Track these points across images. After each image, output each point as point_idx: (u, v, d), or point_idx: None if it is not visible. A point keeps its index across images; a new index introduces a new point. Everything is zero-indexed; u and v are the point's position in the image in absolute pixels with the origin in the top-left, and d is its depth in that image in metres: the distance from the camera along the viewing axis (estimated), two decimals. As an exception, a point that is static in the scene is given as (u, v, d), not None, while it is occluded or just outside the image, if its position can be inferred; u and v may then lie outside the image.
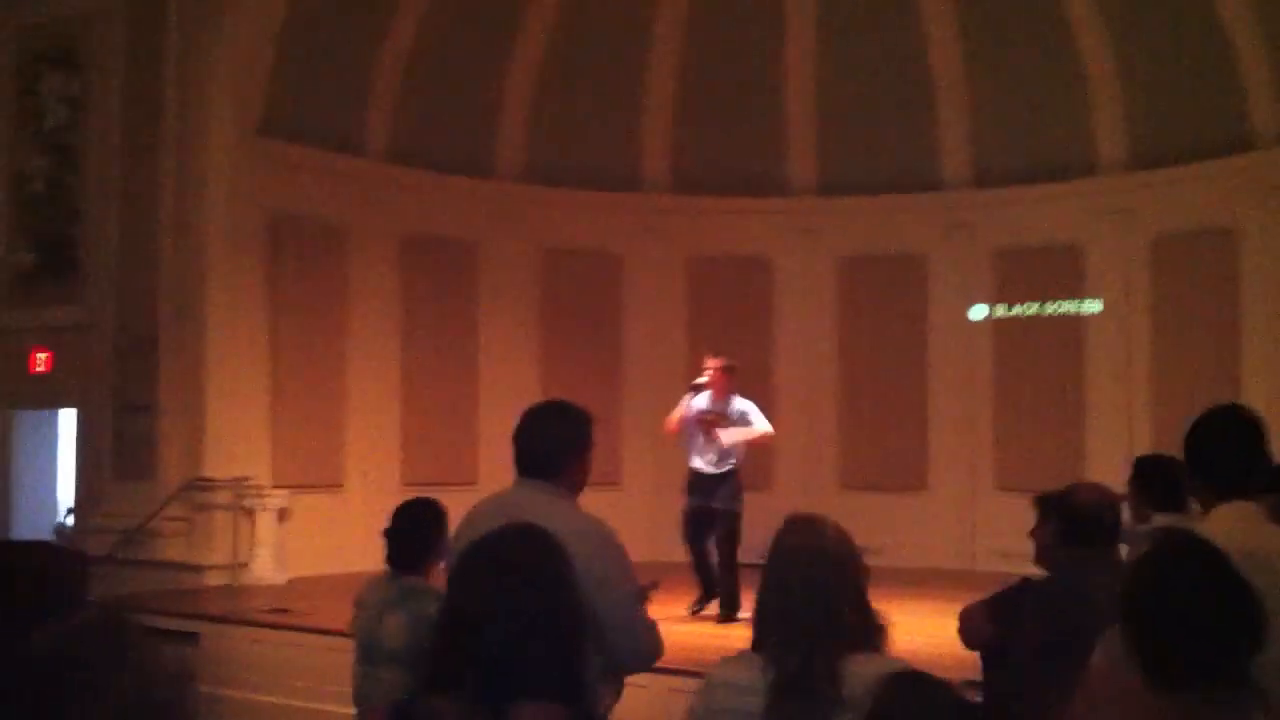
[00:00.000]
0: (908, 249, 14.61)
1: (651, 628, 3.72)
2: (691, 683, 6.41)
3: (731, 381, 9.80)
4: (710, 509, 9.66)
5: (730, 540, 9.62)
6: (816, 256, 14.92)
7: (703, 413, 9.74)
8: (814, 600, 2.70)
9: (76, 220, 12.96)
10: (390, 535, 4.72)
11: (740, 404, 9.83)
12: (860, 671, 2.61)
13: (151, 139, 12.30)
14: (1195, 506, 3.59)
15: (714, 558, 9.77)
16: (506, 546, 2.18)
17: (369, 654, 4.71)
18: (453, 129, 14.08)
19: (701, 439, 9.75)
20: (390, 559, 4.75)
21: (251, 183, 12.40)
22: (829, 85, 14.68)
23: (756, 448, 10.21)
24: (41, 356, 13.00)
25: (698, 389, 9.83)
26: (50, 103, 13.23)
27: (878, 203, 14.54)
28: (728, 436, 9.70)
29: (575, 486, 3.75)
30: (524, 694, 2.03)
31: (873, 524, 12.17)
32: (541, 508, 3.43)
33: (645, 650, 3.67)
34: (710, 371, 9.79)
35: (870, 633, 2.77)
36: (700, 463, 9.75)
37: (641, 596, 3.74)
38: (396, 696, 4.36)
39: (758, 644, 2.81)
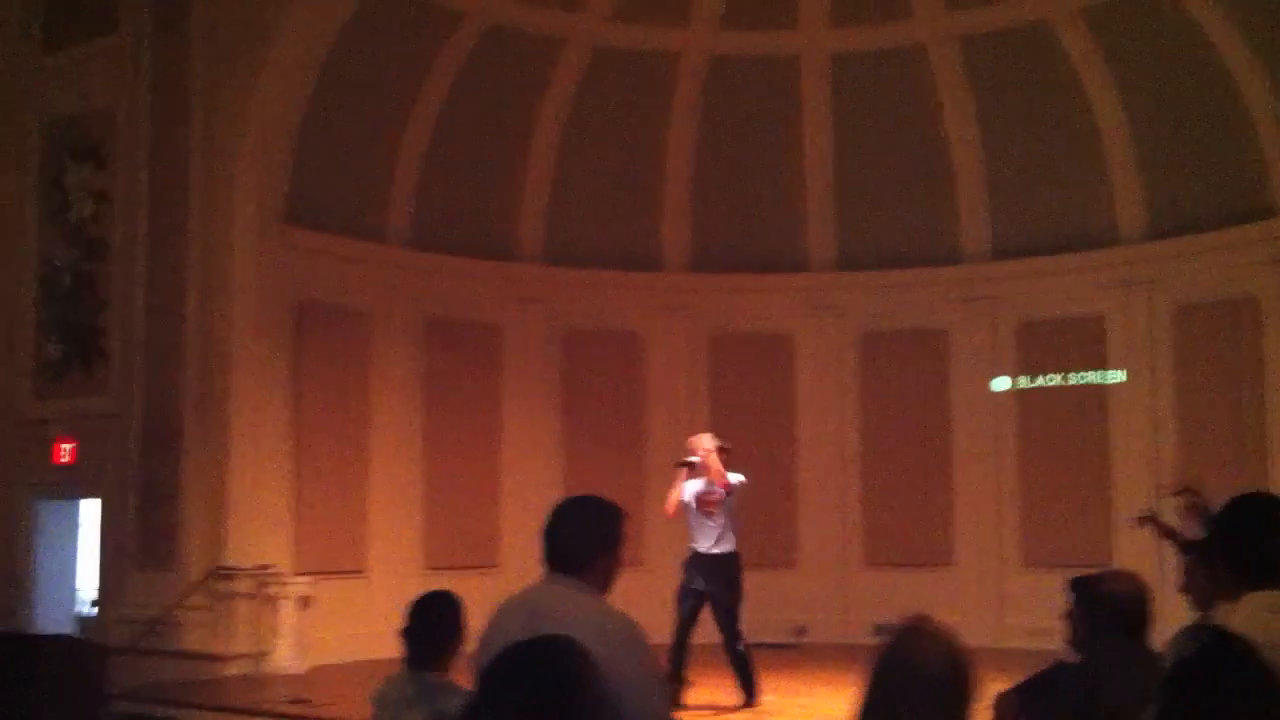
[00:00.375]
0: (928, 323, 14.60)
1: None
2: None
3: (722, 460, 9.71)
4: (705, 593, 9.49)
5: (732, 627, 9.44)
6: (837, 332, 14.91)
7: (700, 494, 9.64)
8: (929, 716, 2.63)
9: (104, 311, 13.07)
10: (407, 633, 4.66)
11: (732, 479, 9.70)
12: None
13: (177, 230, 12.42)
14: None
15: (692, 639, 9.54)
16: (535, 662, 2.15)
17: (389, 751, 4.63)
18: (473, 213, 14.20)
19: (699, 522, 9.63)
20: (409, 653, 4.69)
21: (275, 271, 12.51)
22: (846, 161, 14.77)
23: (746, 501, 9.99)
24: (66, 447, 13.04)
25: (690, 468, 9.74)
26: (77, 196, 13.41)
27: (897, 277, 14.56)
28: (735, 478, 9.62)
29: (605, 584, 3.69)
30: None
31: (898, 601, 12.01)
32: (570, 607, 3.39)
33: None
34: (704, 454, 9.71)
35: None
36: (699, 545, 9.62)
37: (669, 696, 3.69)
38: (416, 793, 4.29)
39: None
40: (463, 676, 4.32)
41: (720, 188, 14.96)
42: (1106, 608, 4.00)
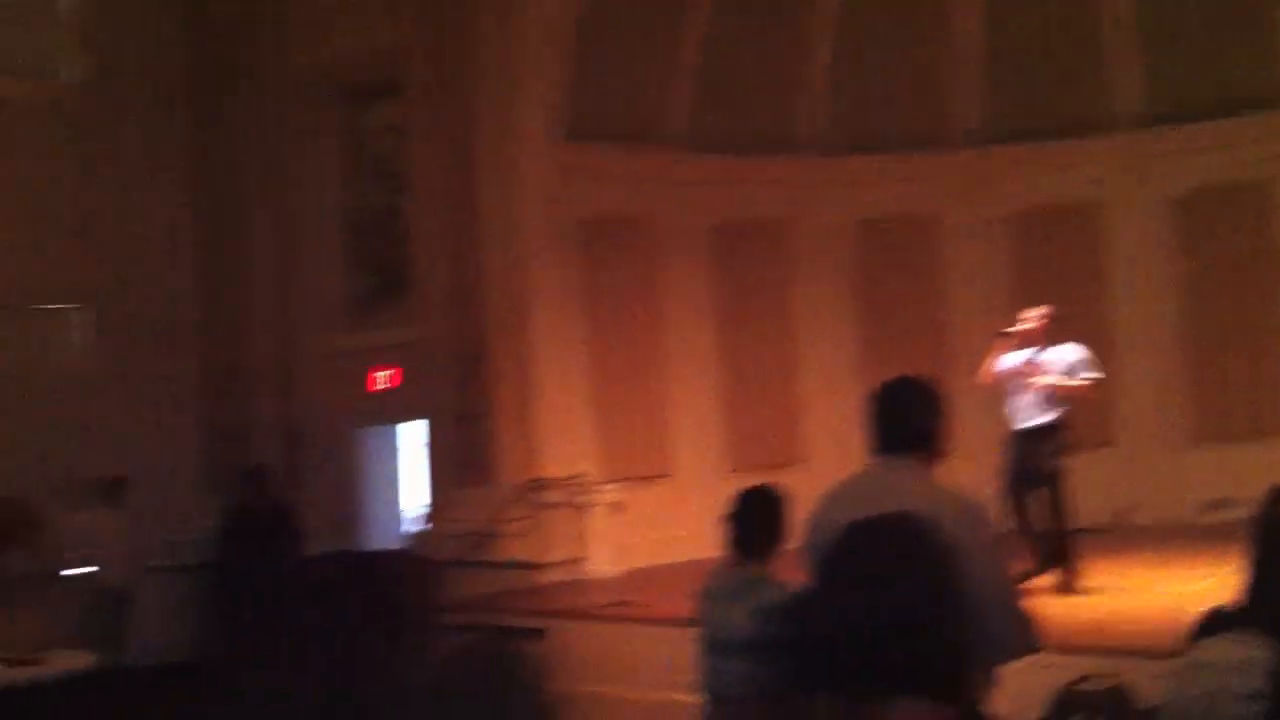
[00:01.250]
0: (1250, 177, 13.42)
1: (1030, 616, 3.47)
2: (1049, 657, 5.95)
3: (1051, 331, 9.20)
4: (1028, 467, 8.99)
5: (1056, 504, 8.90)
6: (1149, 195, 13.90)
7: (1025, 364, 9.17)
8: None
9: (407, 242, 13.58)
10: (732, 523, 4.62)
11: (1060, 351, 9.17)
12: None
13: (468, 157, 12.75)
14: None
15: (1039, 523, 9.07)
16: (884, 536, 2.01)
17: (715, 645, 4.63)
18: (752, 108, 13.93)
19: (1020, 392, 9.15)
20: (733, 548, 4.65)
21: (563, 189, 12.73)
22: (1154, 4, 13.60)
23: (1082, 397, 9.40)
24: (382, 375, 13.67)
25: (1008, 338, 9.27)
26: (376, 132, 13.93)
27: (1215, 129, 13.32)
28: (1044, 381, 9.07)
29: (936, 459, 3.60)
30: (906, 691, 1.85)
31: (1232, 476, 11.25)
32: (907, 485, 3.37)
33: (1024, 639, 3.44)
34: (1028, 322, 9.24)
35: None
36: (1020, 417, 9.14)
37: (1014, 573, 3.53)
38: (743, 687, 4.25)
39: (1252, 618, 2.53)
40: (785, 571, 4.22)
41: (1013, 55, 14.08)
42: None
